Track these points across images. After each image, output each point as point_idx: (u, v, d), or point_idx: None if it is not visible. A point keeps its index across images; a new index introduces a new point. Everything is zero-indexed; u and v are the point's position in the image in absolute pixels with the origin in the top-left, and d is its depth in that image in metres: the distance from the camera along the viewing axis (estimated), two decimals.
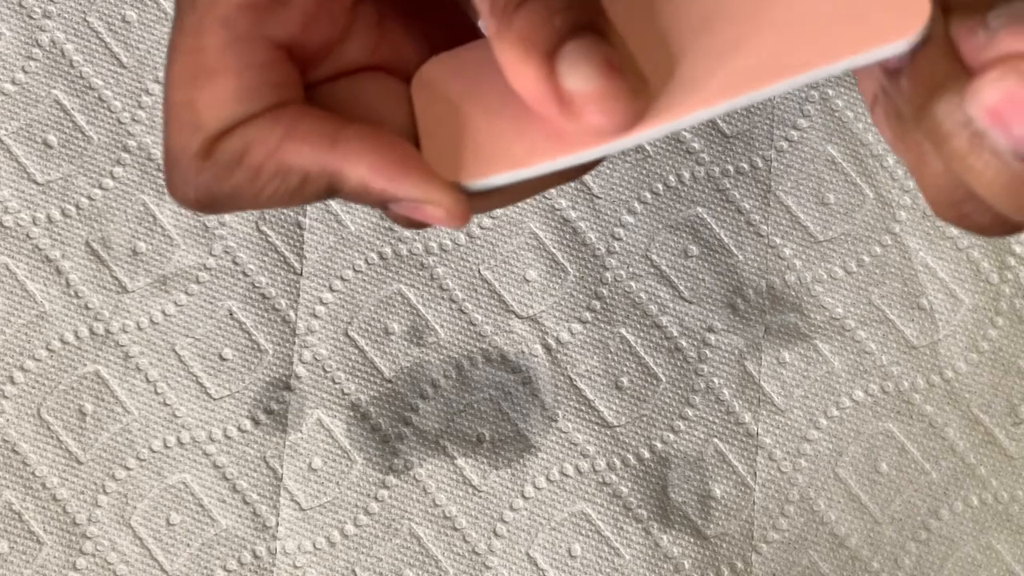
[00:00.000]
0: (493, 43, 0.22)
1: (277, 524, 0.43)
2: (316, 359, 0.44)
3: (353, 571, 0.43)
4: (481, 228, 0.44)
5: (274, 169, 0.23)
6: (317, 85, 0.25)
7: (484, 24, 0.23)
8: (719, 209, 0.45)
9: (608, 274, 0.44)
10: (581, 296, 0.44)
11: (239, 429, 0.43)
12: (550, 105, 0.21)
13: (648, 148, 0.45)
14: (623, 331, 0.44)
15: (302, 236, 0.44)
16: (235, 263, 0.44)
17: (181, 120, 0.23)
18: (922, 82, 0.23)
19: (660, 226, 0.44)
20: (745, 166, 0.45)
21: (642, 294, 0.44)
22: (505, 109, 0.23)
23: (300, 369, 0.44)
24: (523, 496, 0.43)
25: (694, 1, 0.23)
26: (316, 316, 0.44)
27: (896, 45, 0.21)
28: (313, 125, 0.23)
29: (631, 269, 0.44)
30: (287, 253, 0.44)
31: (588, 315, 0.44)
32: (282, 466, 0.43)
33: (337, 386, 0.43)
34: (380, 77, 0.26)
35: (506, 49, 0.22)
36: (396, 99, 0.25)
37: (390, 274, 0.44)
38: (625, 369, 0.44)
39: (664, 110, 0.22)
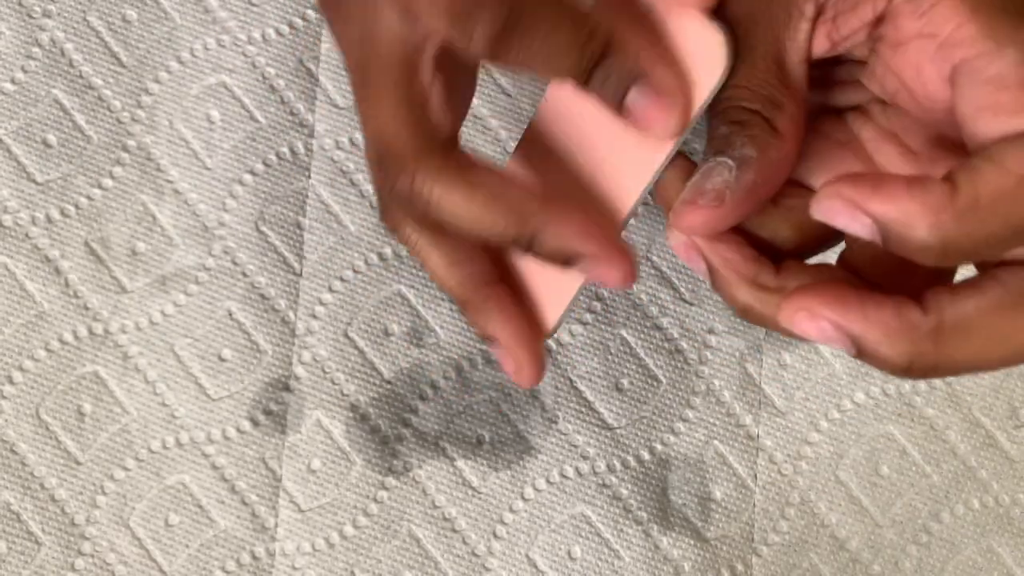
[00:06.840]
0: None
1: (276, 525, 0.43)
2: (315, 360, 0.43)
3: (352, 573, 0.43)
4: None
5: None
6: None
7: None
8: None
9: None
10: (582, 297, 0.44)
11: (238, 430, 0.43)
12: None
13: None
14: (624, 332, 0.44)
15: (302, 236, 0.44)
16: (234, 263, 0.44)
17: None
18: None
19: (661, 227, 0.44)
20: None
21: (643, 295, 0.44)
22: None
23: (299, 370, 0.43)
24: (523, 498, 0.43)
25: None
26: (315, 317, 0.44)
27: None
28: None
29: None
30: (287, 253, 0.44)
31: (589, 316, 0.44)
32: (281, 467, 0.43)
33: (336, 387, 0.43)
34: None
35: None
36: None
37: (390, 275, 0.44)
38: (625, 371, 0.44)
39: None
